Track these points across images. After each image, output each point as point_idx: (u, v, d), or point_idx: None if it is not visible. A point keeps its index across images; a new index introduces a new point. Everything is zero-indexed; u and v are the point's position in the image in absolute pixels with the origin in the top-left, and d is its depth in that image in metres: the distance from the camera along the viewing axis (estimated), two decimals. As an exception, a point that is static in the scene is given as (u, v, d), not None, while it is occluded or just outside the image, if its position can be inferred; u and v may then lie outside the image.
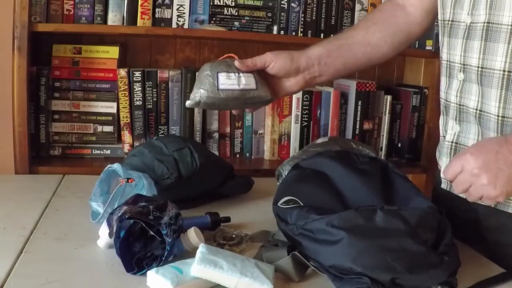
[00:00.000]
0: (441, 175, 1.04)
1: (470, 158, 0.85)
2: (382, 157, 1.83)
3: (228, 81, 1.00)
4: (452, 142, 1.04)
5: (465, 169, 0.85)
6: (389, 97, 1.82)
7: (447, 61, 1.03)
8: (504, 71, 0.91)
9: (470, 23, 0.95)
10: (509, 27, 0.89)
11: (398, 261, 0.76)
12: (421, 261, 0.78)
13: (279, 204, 0.92)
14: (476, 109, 0.96)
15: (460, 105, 1.00)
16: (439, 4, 1.06)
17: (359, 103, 1.77)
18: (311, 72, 1.08)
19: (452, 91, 1.01)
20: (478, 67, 0.94)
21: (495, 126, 0.93)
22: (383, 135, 1.83)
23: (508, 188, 0.83)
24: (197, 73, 1.04)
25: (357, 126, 1.78)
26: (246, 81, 1.01)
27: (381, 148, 1.84)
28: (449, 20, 1.02)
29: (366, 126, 1.80)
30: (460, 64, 0.98)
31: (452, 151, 1.04)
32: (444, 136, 1.07)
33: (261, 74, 1.05)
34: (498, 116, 0.92)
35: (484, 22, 0.93)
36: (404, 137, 1.85)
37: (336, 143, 1.20)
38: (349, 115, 1.79)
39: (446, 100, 1.04)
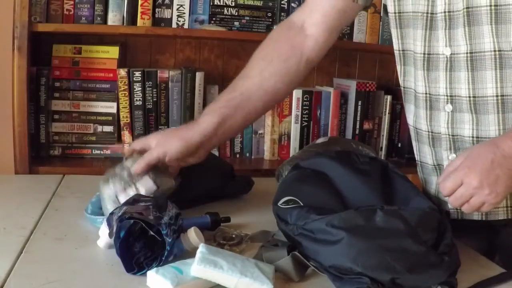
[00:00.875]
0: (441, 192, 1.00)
1: (469, 172, 0.84)
2: (382, 157, 1.83)
3: (129, 196, 0.94)
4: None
5: (465, 183, 0.85)
6: (389, 97, 1.82)
7: (425, 93, 1.01)
8: (497, 96, 0.91)
9: (451, 54, 0.94)
10: (493, 53, 0.89)
11: (398, 261, 0.76)
12: (421, 261, 0.78)
13: (279, 204, 0.92)
14: (473, 137, 0.96)
15: (453, 135, 0.99)
16: (394, 34, 1.04)
17: (359, 103, 1.77)
18: (212, 142, 1.02)
19: (441, 122, 1.00)
20: (469, 97, 0.94)
21: None
22: (383, 135, 1.83)
23: (506, 192, 0.84)
24: (99, 188, 0.99)
25: (357, 126, 1.78)
26: (146, 187, 0.96)
27: (381, 148, 1.84)
28: (424, 53, 0.99)
29: (366, 126, 1.80)
30: (446, 96, 0.97)
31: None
32: (435, 165, 1.06)
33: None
34: None
35: (466, 53, 0.92)
36: (404, 137, 1.85)
37: (336, 143, 1.20)
38: (349, 115, 1.79)
39: (432, 132, 1.03)
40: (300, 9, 1.11)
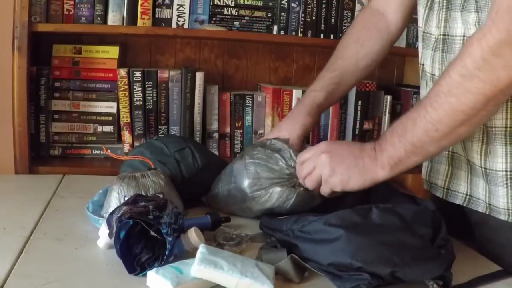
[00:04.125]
0: None
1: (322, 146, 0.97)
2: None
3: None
4: None
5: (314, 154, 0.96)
6: (389, 97, 1.83)
7: (421, 64, 1.06)
8: None
9: (438, 35, 0.97)
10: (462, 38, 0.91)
11: (396, 255, 0.77)
12: (419, 254, 0.79)
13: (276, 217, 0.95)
14: None
15: None
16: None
17: (359, 103, 1.77)
18: (320, 112, 1.18)
19: None
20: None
21: None
22: (383, 135, 1.83)
23: (344, 177, 0.92)
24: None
25: (357, 126, 1.78)
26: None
27: (381, 148, 1.84)
28: (423, 31, 1.03)
29: (366, 126, 1.80)
30: (430, 74, 1.01)
31: None
32: None
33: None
34: None
35: (440, 35, 0.96)
36: (404, 137, 1.85)
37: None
38: (349, 115, 1.79)
39: None
40: None
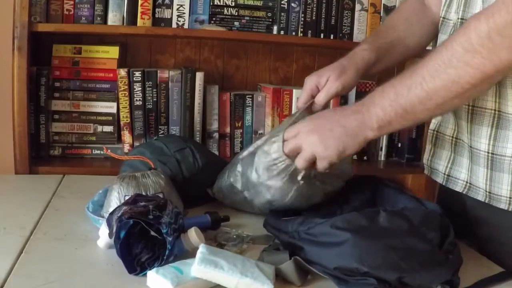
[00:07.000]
0: None
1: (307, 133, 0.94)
2: (382, 157, 1.84)
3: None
4: (434, 130, 1.09)
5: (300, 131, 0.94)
6: (389, 97, 1.82)
7: None
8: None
9: (456, 20, 0.97)
10: None
11: (404, 260, 0.76)
12: (427, 260, 0.78)
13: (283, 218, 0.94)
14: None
15: None
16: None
17: (359, 103, 1.76)
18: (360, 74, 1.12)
19: None
20: None
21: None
22: (383, 135, 1.83)
23: (336, 145, 0.91)
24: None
25: (357, 126, 1.78)
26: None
27: (381, 148, 1.84)
28: (442, 17, 1.03)
29: (366, 126, 1.79)
30: None
31: (433, 138, 1.09)
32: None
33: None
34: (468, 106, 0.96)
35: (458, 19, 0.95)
36: (404, 137, 1.85)
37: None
38: (349, 115, 1.79)
39: None
40: None
